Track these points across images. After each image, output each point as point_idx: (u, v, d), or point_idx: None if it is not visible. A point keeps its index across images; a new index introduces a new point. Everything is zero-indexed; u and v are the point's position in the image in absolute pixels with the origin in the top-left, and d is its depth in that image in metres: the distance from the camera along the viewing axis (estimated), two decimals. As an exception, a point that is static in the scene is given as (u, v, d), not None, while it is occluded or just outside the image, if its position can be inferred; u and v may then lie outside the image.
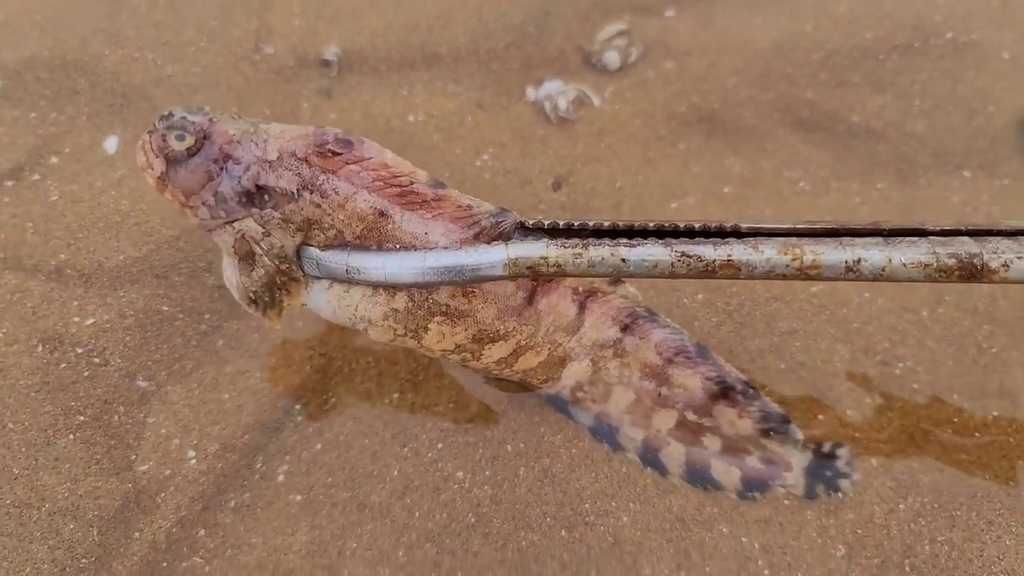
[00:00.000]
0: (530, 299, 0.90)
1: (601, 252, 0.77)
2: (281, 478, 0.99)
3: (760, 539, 0.93)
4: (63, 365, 1.02)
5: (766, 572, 0.91)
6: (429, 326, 0.86)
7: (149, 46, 1.23)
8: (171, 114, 0.80)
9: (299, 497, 0.97)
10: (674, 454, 0.95)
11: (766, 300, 1.08)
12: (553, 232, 0.81)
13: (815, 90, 1.29)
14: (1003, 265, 0.74)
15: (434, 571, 0.92)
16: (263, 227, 0.81)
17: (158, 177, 0.81)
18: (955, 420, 1.03)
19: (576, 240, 0.78)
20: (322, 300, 0.86)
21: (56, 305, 1.05)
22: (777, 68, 1.30)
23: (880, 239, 0.76)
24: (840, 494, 0.94)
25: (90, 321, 1.04)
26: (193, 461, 0.97)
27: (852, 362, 1.05)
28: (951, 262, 0.74)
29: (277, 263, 0.83)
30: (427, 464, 0.98)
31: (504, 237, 0.80)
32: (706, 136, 1.25)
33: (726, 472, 0.94)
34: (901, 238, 0.77)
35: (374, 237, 0.79)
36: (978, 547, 0.91)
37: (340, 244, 0.81)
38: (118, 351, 1.03)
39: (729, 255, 0.76)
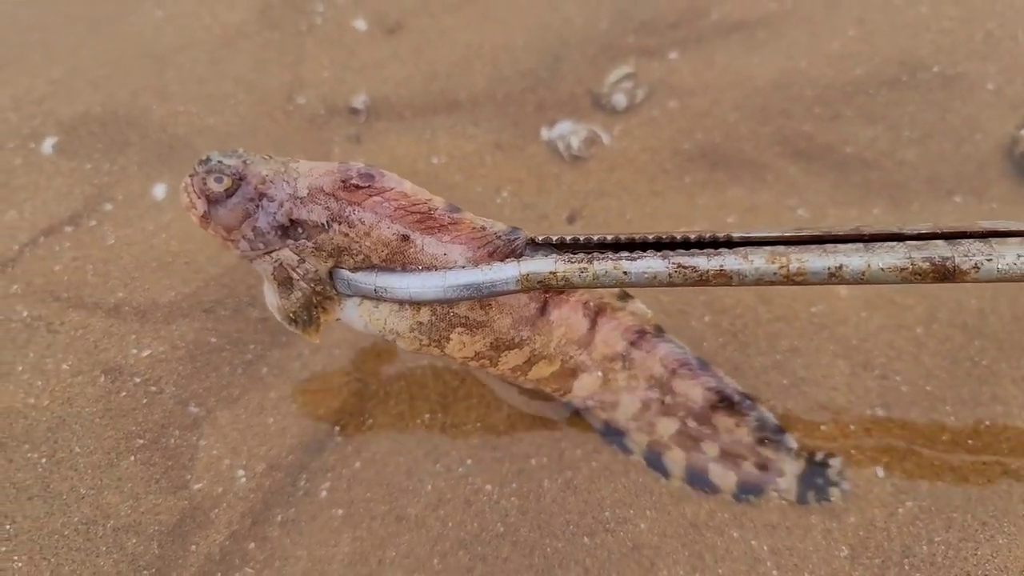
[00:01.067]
0: (542, 310, 0.97)
1: (605, 266, 0.85)
2: (324, 494, 1.07)
3: (768, 542, 1.00)
4: (123, 394, 1.11)
5: (774, 573, 0.98)
6: (451, 336, 0.93)
7: (192, 99, 1.34)
8: (208, 159, 0.88)
9: (340, 511, 1.05)
10: (676, 458, 1.03)
11: (768, 320, 1.16)
12: (561, 246, 0.90)
13: (811, 123, 1.38)
14: (974, 267, 0.81)
15: (467, 577, 1.00)
16: (298, 255, 0.89)
17: (201, 216, 0.90)
18: (949, 429, 1.09)
19: (582, 255, 0.86)
20: (354, 315, 0.94)
21: (115, 339, 1.14)
22: (775, 104, 1.39)
23: (860, 245, 0.84)
24: (830, 502, 1.01)
25: (146, 353, 1.14)
26: (243, 479, 1.06)
27: (852, 377, 1.13)
28: (925, 265, 0.81)
29: (312, 286, 0.91)
30: (458, 478, 1.06)
31: (516, 254, 0.89)
32: (710, 169, 1.34)
33: (723, 476, 1.02)
34: (880, 243, 0.84)
35: (399, 260, 0.87)
36: (973, 546, 0.97)
37: (368, 266, 0.89)
38: (172, 380, 1.13)
39: (721, 266, 0.84)
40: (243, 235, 0.90)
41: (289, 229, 0.88)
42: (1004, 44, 1.45)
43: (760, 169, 1.34)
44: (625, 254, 0.86)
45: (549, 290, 0.91)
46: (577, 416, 1.10)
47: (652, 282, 0.85)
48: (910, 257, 0.82)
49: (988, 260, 0.81)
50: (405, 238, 0.87)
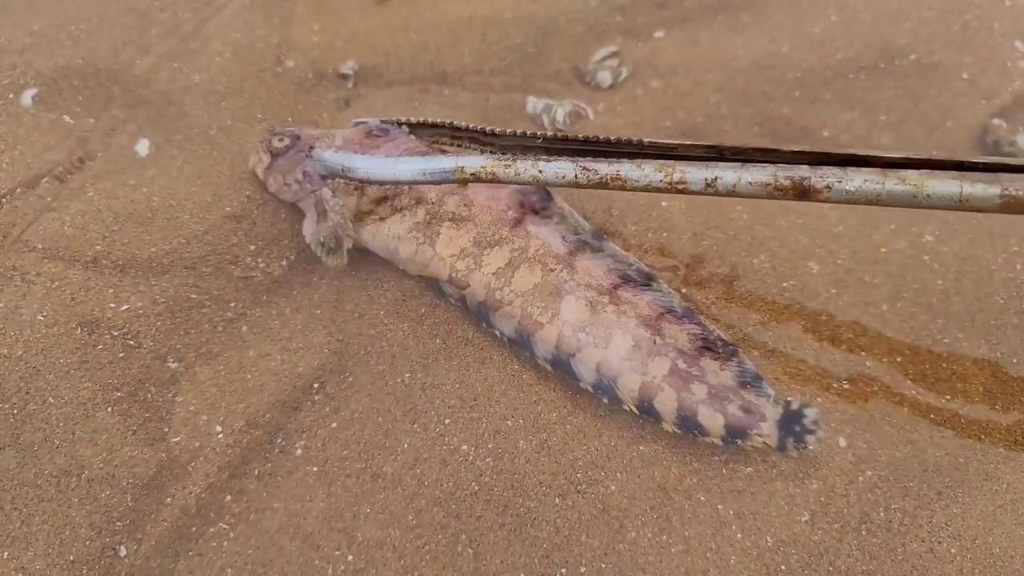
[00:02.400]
0: (520, 220, 1.15)
1: (525, 164, 1.00)
2: (299, 452, 1.08)
3: (734, 506, 1.04)
4: (100, 347, 1.11)
5: (739, 535, 1.02)
6: (440, 231, 1.14)
7: (177, 55, 1.33)
8: (273, 129, 1.25)
9: (315, 468, 1.07)
10: (667, 400, 1.05)
11: (741, 294, 1.19)
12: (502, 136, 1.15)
13: (790, 106, 1.40)
14: (826, 187, 0.92)
15: (441, 532, 1.02)
16: (332, 192, 1.18)
17: (266, 167, 1.21)
18: (910, 403, 1.13)
19: (509, 156, 1.02)
20: (366, 233, 1.19)
21: (93, 292, 1.14)
22: (756, 86, 1.41)
23: (740, 164, 0.95)
24: (807, 448, 1.04)
25: (125, 307, 1.13)
26: (220, 435, 1.07)
27: (819, 351, 1.16)
28: (786, 183, 0.93)
29: (340, 217, 1.17)
30: (435, 438, 1.08)
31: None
32: (690, 146, 1.37)
33: (712, 418, 1.04)
34: (757, 163, 0.95)
35: None
36: (928, 514, 1.01)
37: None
38: (150, 335, 1.13)
39: (618, 171, 0.97)
40: (295, 178, 1.19)
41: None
42: (980, 35, 1.49)
43: (740, 149, 1.37)
44: (544, 157, 1.01)
45: (478, 182, 1.04)
46: (558, 377, 1.12)
47: (562, 182, 1.00)
48: (775, 175, 0.93)
49: (839, 182, 0.92)
50: None
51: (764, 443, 1.04)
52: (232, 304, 1.17)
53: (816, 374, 1.13)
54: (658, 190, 0.97)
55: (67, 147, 1.26)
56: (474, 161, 1.01)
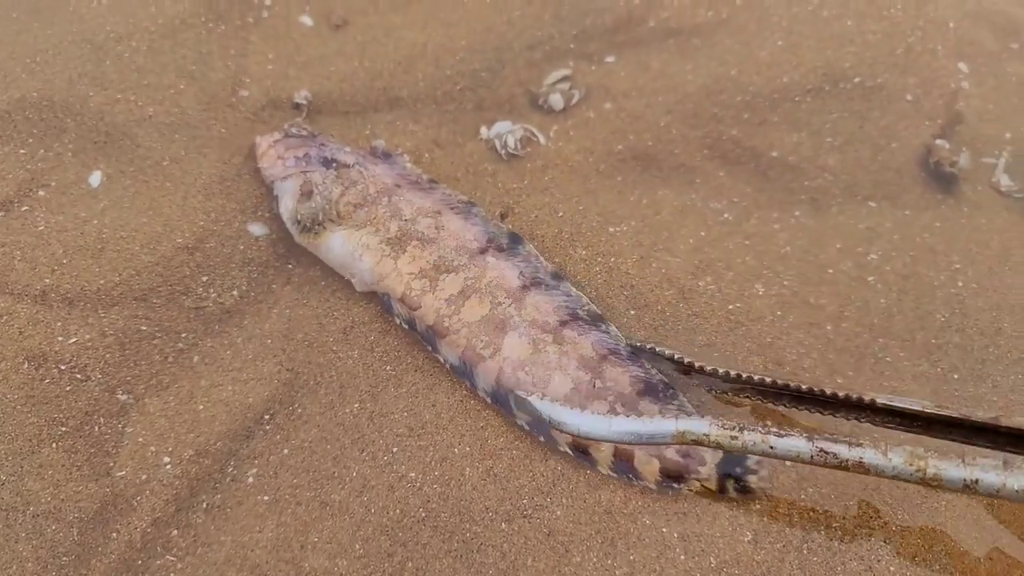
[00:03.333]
0: (482, 251, 1.18)
1: (754, 437, 0.96)
2: (251, 480, 1.09)
3: (678, 529, 1.05)
4: (47, 381, 1.11)
5: (682, 557, 1.03)
6: (407, 248, 1.18)
7: (131, 88, 1.34)
8: (296, 122, 1.36)
9: (267, 497, 1.07)
10: (602, 446, 1.06)
11: (687, 316, 1.21)
12: (651, 353, 1.12)
13: (739, 128, 1.43)
14: None
15: (387, 561, 1.02)
16: (323, 180, 1.23)
17: (274, 140, 1.29)
18: (853, 420, 1.15)
19: (735, 425, 0.96)
20: (336, 238, 1.20)
21: (41, 326, 1.14)
22: (705, 109, 1.44)
23: (999, 464, 0.90)
24: (748, 490, 1.06)
25: (72, 340, 1.14)
26: (168, 466, 1.07)
27: (764, 372, 1.18)
28: None
29: (323, 203, 1.21)
30: (383, 466, 1.09)
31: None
32: (641, 170, 1.39)
33: (647, 463, 1.05)
34: (1019, 459, 0.90)
35: (386, 194, 1.22)
36: (867, 532, 1.03)
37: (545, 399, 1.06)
38: (99, 367, 1.13)
39: (861, 458, 0.93)
40: (295, 155, 1.27)
41: (327, 162, 1.27)
42: (923, 58, 1.53)
43: (689, 171, 1.40)
44: (774, 430, 0.96)
45: (699, 446, 1.00)
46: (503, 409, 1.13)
47: (795, 458, 0.95)
48: None
49: None
50: (397, 186, 1.25)
51: (703, 486, 1.06)
52: (183, 335, 1.17)
53: (759, 399, 1.15)
54: (907, 480, 0.93)
55: (18, 180, 1.26)
56: (697, 426, 0.96)
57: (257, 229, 1.27)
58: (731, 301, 1.24)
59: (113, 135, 1.30)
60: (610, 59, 1.50)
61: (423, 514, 1.05)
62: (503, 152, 1.37)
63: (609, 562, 1.03)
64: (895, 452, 0.93)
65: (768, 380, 1.05)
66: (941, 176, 1.44)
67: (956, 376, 1.22)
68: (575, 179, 1.36)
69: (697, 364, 1.09)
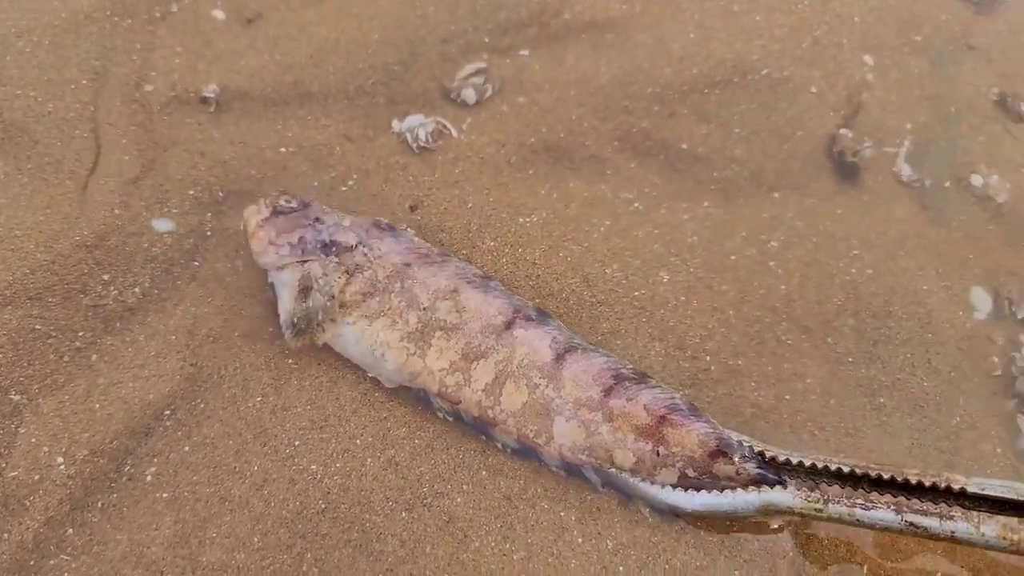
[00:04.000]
0: (508, 325, 1.10)
1: (840, 510, 0.98)
2: (149, 478, 1.08)
3: (576, 513, 1.07)
4: (-62, 382, 1.09)
5: (580, 540, 1.05)
6: (432, 342, 1.09)
7: (31, 84, 1.32)
8: (284, 191, 1.22)
9: (166, 495, 1.06)
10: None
11: (591, 304, 1.23)
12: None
13: (649, 120, 1.46)
14: None
15: (286, 553, 1.02)
16: (323, 270, 1.13)
17: (263, 219, 1.16)
18: (753, 402, 1.18)
19: (819, 496, 0.98)
20: (350, 333, 1.12)
21: (-67, 326, 1.11)
22: (616, 101, 1.46)
23: None
24: None
25: (-35, 340, 1.11)
26: (62, 466, 1.05)
27: (666, 357, 1.21)
28: None
29: (325, 299, 1.11)
30: (284, 459, 1.09)
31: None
32: (553, 163, 1.41)
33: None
34: None
35: (399, 277, 1.13)
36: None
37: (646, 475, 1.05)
38: (-7, 367, 1.11)
39: (953, 532, 0.95)
40: (288, 241, 1.15)
41: (327, 246, 1.15)
42: (829, 51, 1.57)
43: (600, 163, 1.42)
44: (860, 502, 0.97)
45: (782, 515, 1.02)
46: (405, 394, 1.13)
47: (883, 529, 0.97)
48: None
49: None
50: (407, 264, 1.14)
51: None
52: (81, 333, 1.16)
53: (662, 379, 1.17)
54: (999, 551, 0.96)
55: (-88, 178, 1.23)
56: (781, 499, 0.98)
57: (162, 225, 1.25)
58: (636, 288, 1.26)
59: (11, 132, 1.28)
60: (524, 52, 1.51)
61: (323, 505, 1.05)
62: (415, 145, 1.37)
63: (507, 546, 1.04)
64: (988, 525, 0.94)
65: (848, 469, 1.00)
66: (844, 166, 1.48)
67: (851, 359, 1.26)
68: (486, 171, 1.37)
69: (781, 457, 1.03)
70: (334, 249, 1.15)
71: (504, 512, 1.06)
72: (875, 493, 0.99)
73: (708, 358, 1.21)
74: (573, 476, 1.07)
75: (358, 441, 1.10)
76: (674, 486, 1.03)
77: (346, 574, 1.01)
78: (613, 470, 1.04)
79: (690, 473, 1.02)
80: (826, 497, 0.98)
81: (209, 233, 1.27)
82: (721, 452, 1.02)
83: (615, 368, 1.08)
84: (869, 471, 0.99)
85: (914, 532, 0.96)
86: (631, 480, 1.04)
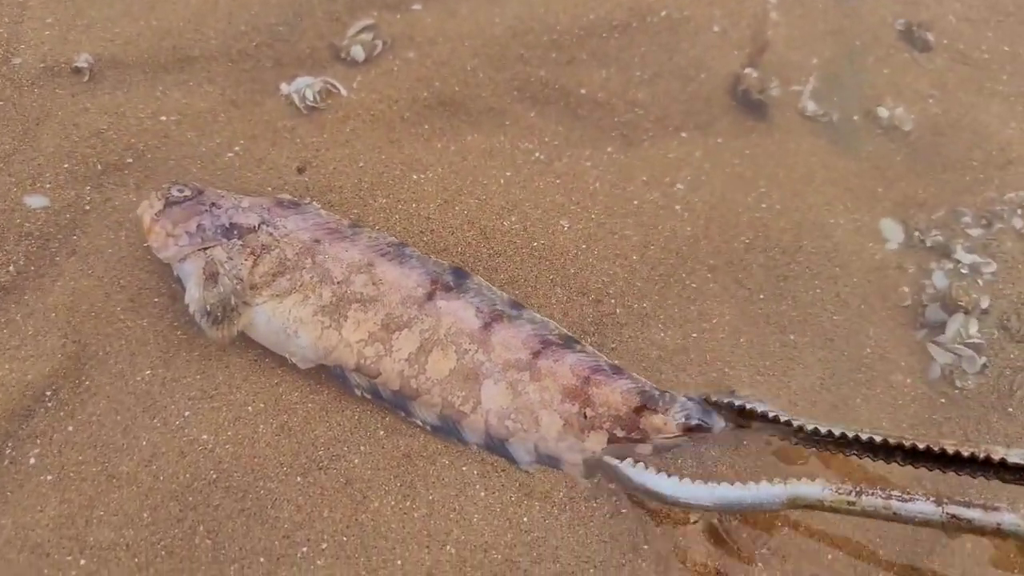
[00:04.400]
0: (430, 296, 1.07)
1: (874, 502, 0.92)
2: (32, 461, 1.03)
3: (478, 467, 1.05)
4: None
5: (482, 494, 1.03)
6: (348, 314, 1.06)
7: None
8: (174, 180, 1.17)
9: (50, 477, 1.02)
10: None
11: (488, 256, 1.21)
12: (720, 406, 1.02)
13: (547, 68, 1.43)
14: None
15: (177, 527, 0.99)
16: (227, 254, 1.09)
17: (156, 212, 1.11)
18: (659, 343, 1.18)
19: (851, 489, 0.93)
20: (260, 313, 1.08)
21: None
22: (512, 50, 1.43)
23: None
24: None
25: None
26: (-64, 455, 1.01)
27: (567, 303, 1.19)
28: None
29: (234, 283, 1.07)
30: (174, 431, 1.06)
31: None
32: (449, 116, 1.37)
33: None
34: None
35: (308, 254, 1.09)
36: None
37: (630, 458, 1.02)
38: None
39: (999, 523, 0.89)
40: (186, 230, 1.10)
41: (227, 230, 1.10)
42: (731, -11, 1.55)
43: (498, 115, 1.39)
44: (896, 494, 0.91)
45: (812, 509, 0.96)
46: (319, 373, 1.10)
47: (922, 524, 0.91)
48: None
49: None
50: (316, 241, 1.10)
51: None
52: (-48, 317, 1.11)
53: (564, 325, 1.15)
54: None
55: None
56: (810, 491, 0.93)
57: (35, 201, 1.20)
58: (535, 238, 1.24)
59: None
60: (417, 7, 1.47)
61: (214, 476, 1.02)
62: (302, 106, 1.33)
63: (408, 503, 1.02)
64: None
65: (880, 439, 0.94)
66: (750, 104, 1.47)
67: (762, 296, 1.25)
68: (378, 129, 1.33)
69: (783, 418, 0.98)
70: (236, 232, 1.10)
71: (404, 471, 1.04)
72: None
73: (613, 302, 1.20)
74: (496, 454, 1.05)
75: (250, 408, 1.07)
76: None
77: (241, 543, 0.99)
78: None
79: (618, 433, 1.02)
80: (859, 489, 0.93)
81: (88, 207, 1.22)
82: (644, 405, 1.02)
83: (543, 333, 1.08)
84: (903, 442, 0.94)
85: (957, 526, 0.90)
86: (630, 471, 0.99)
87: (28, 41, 1.32)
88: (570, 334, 1.11)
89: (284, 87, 1.35)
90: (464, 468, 1.05)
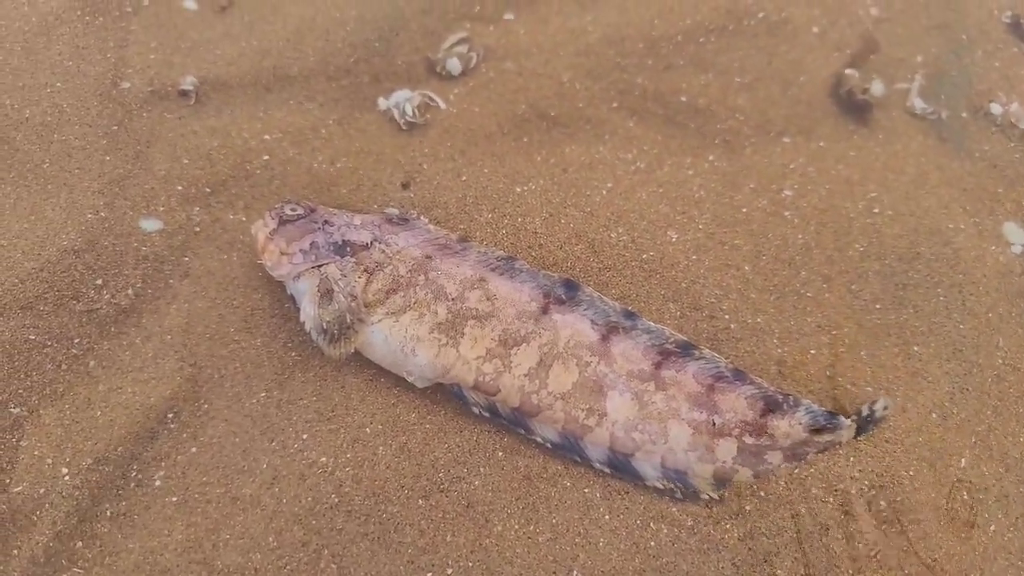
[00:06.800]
0: (544, 310, 1.06)
1: None
2: (158, 483, 1.04)
3: (601, 489, 1.02)
4: (-65, 402, 1.06)
5: (607, 517, 1.01)
6: (464, 331, 1.04)
7: (6, 92, 1.28)
8: (287, 198, 1.20)
9: (175, 499, 1.03)
10: (744, 477, 1.02)
11: (599, 270, 1.18)
12: None
13: (644, 76, 1.39)
14: None
15: (302, 551, 0.99)
16: (341, 272, 1.08)
17: (270, 231, 1.11)
18: (777, 361, 1.13)
19: None
20: (376, 332, 1.07)
21: (-74, 346, 1.09)
22: (608, 59, 1.40)
23: None
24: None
25: (-41, 357, 1.08)
26: (67, 477, 1.02)
27: (681, 319, 1.15)
28: None
29: (349, 300, 1.06)
30: (293, 454, 1.05)
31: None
32: (547, 128, 1.35)
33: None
34: None
35: (420, 270, 1.08)
36: (791, 467, 1.01)
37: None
38: (-11, 383, 1.08)
39: None
40: (300, 248, 1.10)
41: (340, 248, 1.10)
42: (828, -12, 1.50)
43: (597, 125, 1.36)
44: None
45: None
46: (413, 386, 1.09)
47: None
48: None
49: None
50: (428, 257, 1.10)
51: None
52: (76, 340, 1.12)
53: (679, 342, 1.12)
54: None
55: None
56: None
57: (150, 225, 1.21)
58: (644, 250, 1.21)
59: (-11, 141, 1.24)
60: (508, 16, 1.45)
61: (336, 499, 1.02)
62: (402, 121, 1.32)
63: (531, 528, 1.00)
64: None
65: None
66: (854, 105, 1.41)
67: (879, 305, 1.20)
68: (479, 142, 1.31)
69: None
70: (348, 249, 1.10)
71: (525, 493, 1.02)
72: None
73: (727, 317, 1.16)
74: (618, 473, 1.03)
75: (368, 429, 1.06)
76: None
77: (366, 568, 0.98)
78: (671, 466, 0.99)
79: (748, 440, 1.01)
80: None
81: (198, 229, 1.23)
82: (769, 409, 1.01)
83: (660, 342, 1.06)
84: None
85: None
86: None
87: (135, 65, 1.34)
88: (685, 338, 1.08)
89: (382, 102, 1.35)
90: (586, 490, 1.03)
